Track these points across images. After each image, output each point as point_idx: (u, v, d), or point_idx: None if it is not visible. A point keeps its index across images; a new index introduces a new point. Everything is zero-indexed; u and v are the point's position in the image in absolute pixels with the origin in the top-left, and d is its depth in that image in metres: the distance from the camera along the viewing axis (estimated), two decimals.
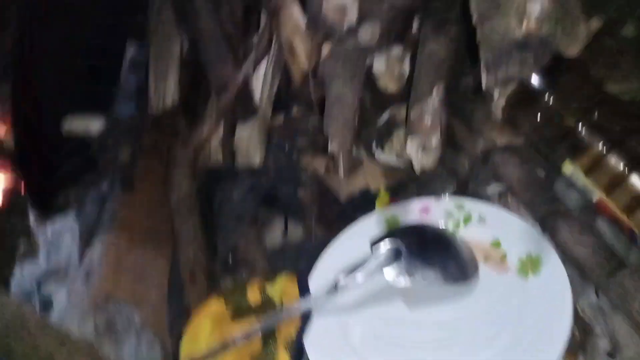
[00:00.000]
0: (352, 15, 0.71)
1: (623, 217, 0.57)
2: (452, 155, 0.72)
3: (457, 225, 0.68)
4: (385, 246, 0.63)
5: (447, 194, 0.71)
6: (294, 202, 0.83)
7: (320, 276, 0.70)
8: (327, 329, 0.66)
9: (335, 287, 0.64)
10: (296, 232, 0.82)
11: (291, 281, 0.72)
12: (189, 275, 0.80)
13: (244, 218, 0.85)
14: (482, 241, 0.66)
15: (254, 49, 0.90)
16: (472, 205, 0.68)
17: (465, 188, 0.72)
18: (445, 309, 0.63)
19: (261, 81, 0.90)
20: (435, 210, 0.70)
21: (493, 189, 0.71)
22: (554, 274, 0.60)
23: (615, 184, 0.58)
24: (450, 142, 0.72)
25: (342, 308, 0.67)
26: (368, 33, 0.70)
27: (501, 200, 0.70)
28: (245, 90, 0.88)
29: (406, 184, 0.75)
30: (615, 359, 0.59)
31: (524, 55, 0.60)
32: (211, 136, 0.90)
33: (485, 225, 0.67)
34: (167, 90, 0.97)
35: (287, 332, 0.68)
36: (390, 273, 0.62)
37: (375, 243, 0.64)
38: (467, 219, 0.68)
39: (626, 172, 0.57)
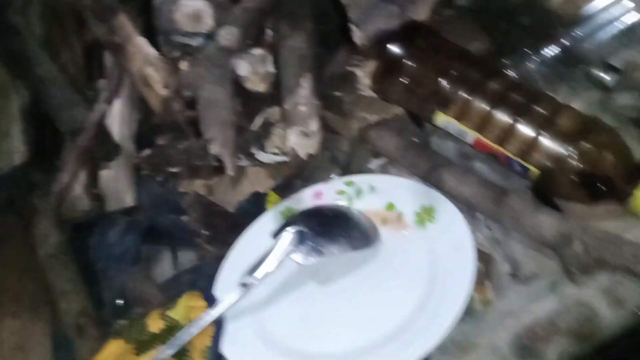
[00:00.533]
0: (207, 21, 0.72)
1: (499, 148, 0.64)
2: (330, 143, 0.76)
3: (350, 200, 0.71)
4: (288, 233, 0.65)
5: (334, 177, 0.75)
6: (178, 230, 0.81)
7: (226, 283, 0.69)
8: (244, 330, 0.65)
9: (243, 286, 0.64)
10: (188, 257, 0.79)
11: (194, 298, 0.70)
12: (75, 330, 0.75)
13: (125, 259, 0.81)
14: (377, 208, 0.69)
15: (103, 88, 0.88)
16: (361, 179, 0.72)
17: (348, 170, 0.75)
18: (358, 276, 0.66)
19: (118, 119, 0.87)
20: (327, 193, 0.72)
21: (375, 163, 0.75)
22: (449, 216, 0.65)
23: (485, 122, 0.65)
24: (326, 131, 0.75)
25: (256, 306, 0.66)
26: (227, 36, 0.72)
27: (384, 172, 0.74)
28: (101, 131, 0.86)
29: (292, 180, 0.76)
30: (517, 276, 0.64)
31: (390, 8, 0.66)
32: (72, 183, 0.85)
33: (376, 193, 0.71)
34: (11, 147, 0.91)
35: (202, 344, 0.66)
36: (299, 256, 0.63)
37: (277, 233, 0.65)
38: (358, 192, 0.71)
39: (491, 110, 0.65)
